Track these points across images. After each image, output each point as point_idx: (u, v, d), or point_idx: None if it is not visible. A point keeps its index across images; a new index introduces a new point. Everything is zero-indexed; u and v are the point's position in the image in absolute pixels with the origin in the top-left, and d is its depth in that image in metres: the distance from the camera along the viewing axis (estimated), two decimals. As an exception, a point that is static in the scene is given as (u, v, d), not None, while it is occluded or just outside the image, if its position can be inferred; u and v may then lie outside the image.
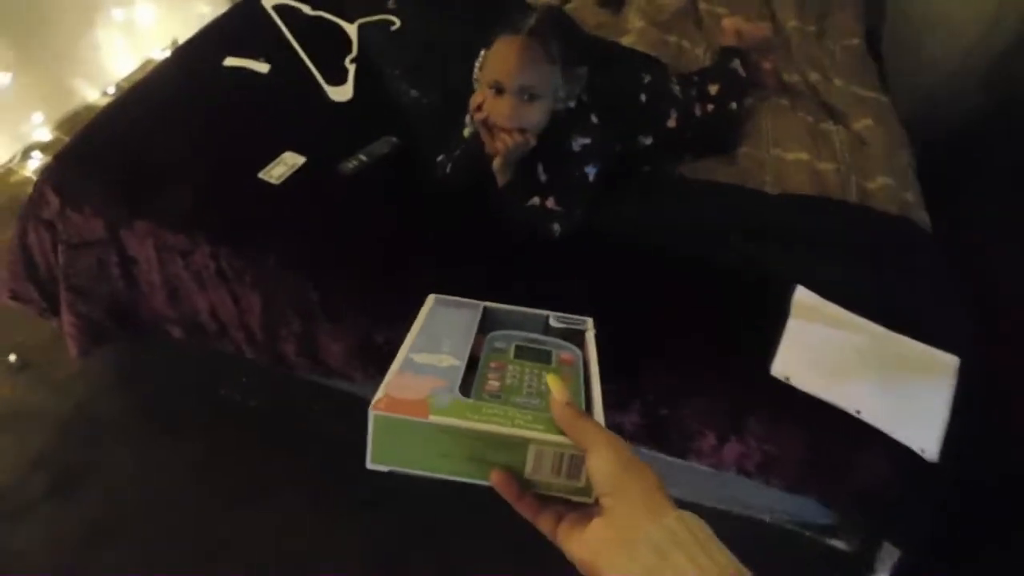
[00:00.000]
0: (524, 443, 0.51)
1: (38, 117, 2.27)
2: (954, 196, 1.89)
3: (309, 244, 1.33)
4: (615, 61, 1.73)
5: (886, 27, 2.49)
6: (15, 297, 1.55)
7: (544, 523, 0.52)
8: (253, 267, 1.33)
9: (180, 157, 1.42)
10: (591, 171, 1.41)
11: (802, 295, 1.39)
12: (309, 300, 1.33)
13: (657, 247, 1.43)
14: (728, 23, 1.99)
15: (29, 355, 1.80)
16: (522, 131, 1.33)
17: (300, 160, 1.44)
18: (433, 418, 0.51)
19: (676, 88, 1.68)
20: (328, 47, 1.76)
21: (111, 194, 1.35)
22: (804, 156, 1.74)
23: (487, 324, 0.68)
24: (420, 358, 0.60)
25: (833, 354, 1.32)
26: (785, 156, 1.74)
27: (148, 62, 2.65)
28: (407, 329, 0.65)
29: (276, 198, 1.38)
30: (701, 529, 0.45)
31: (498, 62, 1.31)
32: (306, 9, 1.86)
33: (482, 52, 1.37)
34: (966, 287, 1.51)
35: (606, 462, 0.48)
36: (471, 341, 0.63)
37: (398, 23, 1.85)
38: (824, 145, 1.79)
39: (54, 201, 1.37)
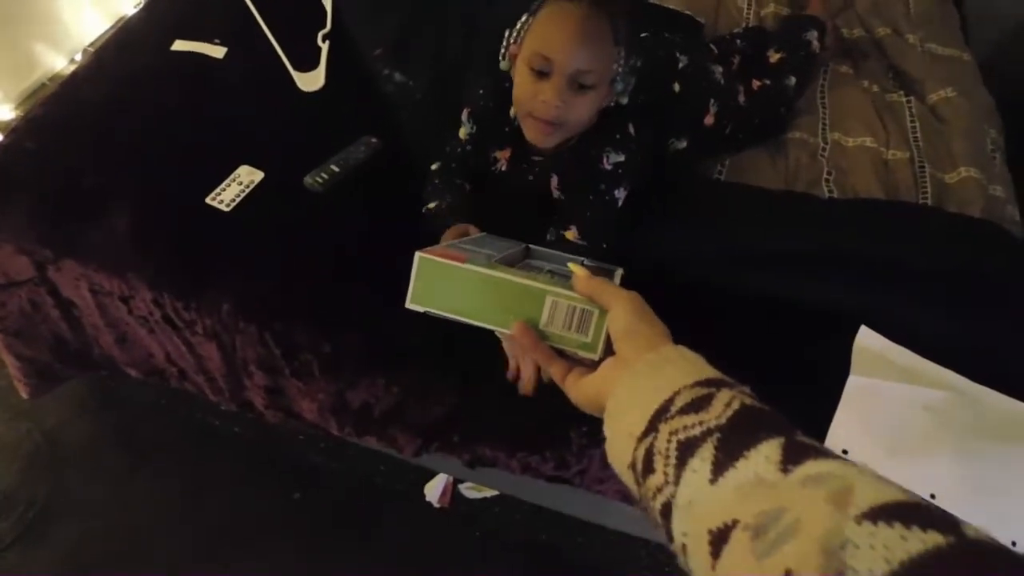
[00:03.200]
0: (542, 294, 0.60)
1: (-7, 94, 2.04)
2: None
3: (268, 287, 1.11)
4: (643, 36, 1.42)
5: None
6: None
7: (556, 370, 0.59)
8: (204, 316, 1.11)
9: (113, 178, 1.19)
10: (620, 195, 1.14)
11: (866, 339, 1.14)
12: (272, 355, 1.12)
13: (683, 278, 1.18)
14: None
15: (-10, 377, 1.64)
16: (561, 126, 1.05)
17: (258, 176, 1.20)
18: (469, 266, 0.61)
19: (718, 71, 1.37)
20: (297, 21, 1.48)
21: (33, 227, 1.14)
22: (869, 141, 1.44)
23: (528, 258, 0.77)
24: (464, 245, 0.72)
25: (903, 419, 1.08)
26: (846, 142, 1.44)
27: (122, 21, 2.37)
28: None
29: (227, 229, 1.15)
30: (696, 356, 0.53)
31: (550, 34, 0.99)
32: (272, -29, 1.57)
33: (524, 17, 1.06)
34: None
35: (624, 312, 0.55)
36: (510, 251, 0.71)
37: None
38: (893, 124, 1.48)
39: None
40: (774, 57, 1.44)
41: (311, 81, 1.38)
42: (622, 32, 1.01)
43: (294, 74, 1.39)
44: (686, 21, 1.60)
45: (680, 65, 1.34)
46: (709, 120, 1.33)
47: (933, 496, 1.01)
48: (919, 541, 0.31)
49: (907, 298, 1.19)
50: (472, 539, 1.46)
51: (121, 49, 1.42)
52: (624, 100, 1.10)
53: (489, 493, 1.49)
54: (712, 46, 1.48)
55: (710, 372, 0.50)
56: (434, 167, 1.21)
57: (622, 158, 1.12)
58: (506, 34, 1.07)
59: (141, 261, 1.11)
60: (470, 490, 1.51)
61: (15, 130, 1.26)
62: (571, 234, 1.12)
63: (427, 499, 1.51)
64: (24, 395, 1.35)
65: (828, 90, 1.55)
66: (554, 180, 1.18)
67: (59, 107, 1.29)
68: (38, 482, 1.52)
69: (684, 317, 1.12)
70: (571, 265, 0.63)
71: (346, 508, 1.50)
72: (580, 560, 1.46)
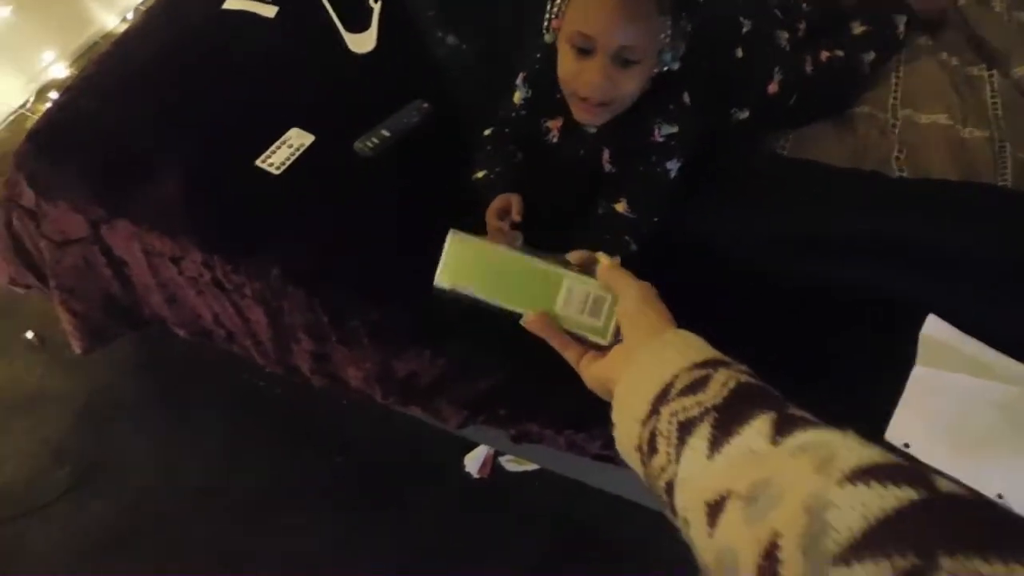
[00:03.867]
0: (560, 278, 0.63)
1: (50, 54, 2.06)
2: None
3: (317, 253, 1.10)
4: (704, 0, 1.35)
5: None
6: (14, 283, 1.41)
7: (571, 353, 0.62)
8: (253, 280, 1.11)
9: (164, 139, 1.19)
10: (673, 167, 1.09)
11: (933, 328, 1.08)
12: (320, 321, 1.11)
13: (743, 261, 1.13)
14: None
15: (46, 332, 1.68)
16: (609, 105, 1.00)
17: (308, 139, 1.19)
18: (496, 245, 0.65)
19: (783, 37, 1.29)
20: None
21: (87, 187, 1.14)
22: (943, 118, 1.35)
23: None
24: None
25: (969, 414, 1.02)
26: (918, 119, 1.36)
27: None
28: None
29: (278, 192, 1.14)
30: (696, 338, 0.55)
31: (591, 10, 0.92)
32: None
33: None
34: None
35: (631, 300, 0.58)
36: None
37: (434, -57, 1.50)
38: (972, 100, 1.39)
39: (29, 193, 1.18)
40: (858, 29, 1.36)
41: (363, 43, 1.35)
42: (667, 1, 0.92)
43: (345, 35, 1.36)
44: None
45: (743, 30, 1.27)
46: (773, 88, 1.26)
47: (1000, 496, 0.96)
48: (894, 497, 0.33)
49: (979, 289, 1.12)
50: (509, 512, 1.46)
51: (171, 7, 1.41)
52: (675, 66, 1.03)
53: (530, 467, 1.48)
54: (777, 11, 1.41)
55: (709, 353, 0.53)
56: (487, 133, 1.18)
57: (675, 129, 1.07)
58: (548, 5, 1.00)
59: (192, 224, 1.11)
60: (511, 463, 1.50)
61: (70, 88, 1.27)
62: (621, 206, 1.08)
63: (467, 470, 1.51)
64: (77, 351, 1.38)
65: (903, 63, 1.46)
66: (605, 154, 1.14)
67: (112, 66, 1.29)
68: (89, 436, 1.56)
69: (729, 301, 1.11)
70: (599, 255, 0.65)
71: (386, 474, 1.51)
72: (616, 539, 1.44)
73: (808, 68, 1.31)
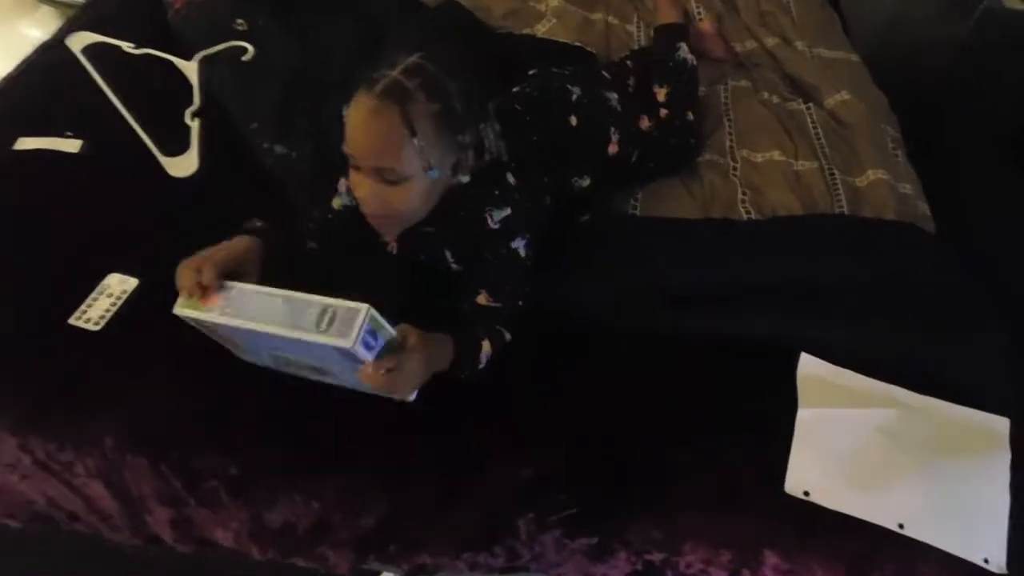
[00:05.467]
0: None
1: None
2: (945, 168, 1.60)
3: (157, 412, 0.98)
4: (532, 74, 1.35)
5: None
6: None
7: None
8: (83, 456, 0.97)
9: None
10: (520, 245, 1.06)
11: (808, 366, 1.10)
12: (172, 487, 0.98)
13: (611, 326, 1.11)
14: None
15: None
16: (387, 218, 0.99)
17: (130, 284, 1.07)
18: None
19: (613, 97, 1.32)
20: (162, 99, 1.35)
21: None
22: (778, 154, 1.42)
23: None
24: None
25: (858, 447, 1.03)
26: (755, 158, 1.42)
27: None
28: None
29: (100, 351, 1.00)
30: None
31: (349, 128, 0.93)
32: (127, 46, 1.43)
33: None
34: (987, 301, 1.23)
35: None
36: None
37: (251, 51, 1.43)
38: (798, 134, 1.47)
39: None
40: (661, 93, 1.39)
41: (183, 165, 1.25)
42: (421, 123, 0.91)
43: (163, 160, 1.25)
44: (576, 53, 1.55)
45: (573, 97, 1.28)
46: (613, 149, 1.27)
47: (901, 526, 0.96)
48: None
49: (837, 316, 1.16)
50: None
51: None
52: (464, 179, 1.02)
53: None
54: (605, 73, 1.44)
55: None
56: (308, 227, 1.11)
57: (508, 211, 1.05)
58: None
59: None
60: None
61: None
62: (483, 298, 1.04)
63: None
64: None
65: (731, 106, 1.53)
66: (447, 254, 1.10)
67: None
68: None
69: (602, 373, 1.09)
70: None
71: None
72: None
73: (644, 124, 1.34)
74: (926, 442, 1.04)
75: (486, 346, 1.00)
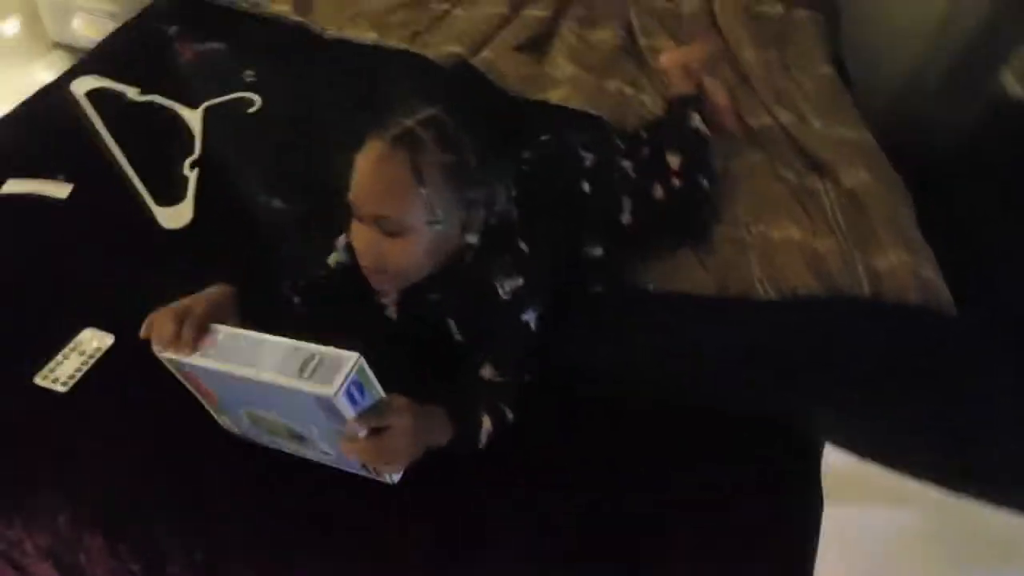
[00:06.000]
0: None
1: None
2: (961, 241, 1.56)
3: (119, 486, 0.88)
4: (544, 139, 1.32)
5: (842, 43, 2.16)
6: None
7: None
8: (34, 533, 0.87)
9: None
10: (531, 318, 0.99)
11: (835, 461, 1.01)
12: (129, 571, 0.88)
13: (621, 397, 1.03)
14: (666, 59, 1.59)
15: None
16: (384, 273, 0.93)
17: (106, 341, 0.99)
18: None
19: (628, 166, 1.27)
20: (161, 147, 1.30)
21: None
22: (795, 233, 1.37)
23: None
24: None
25: (891, 550, 0.94)
26: (772, 234, 1.37)
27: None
28: None
29: (63, 415, 0.92)
30: None
31: (355, 176, 0.91)
32: (131, 93, 1.40)
33: None
34: (1015, 383, 1.16)
35: None
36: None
37: (258, 103, 1.40)
38: (816, 211, 1.42)
39: None
40: (674, 161, 1.35)
41: (176, 217, 1.19)
42: (430, 172, 0.88)
43: (155, 210, 1.20)
44: (589, 120, 1.52)
45: (586, 163, 1.24)
46: (626, 219, 1.22)
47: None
48: None
49: (859, 401, 1.08)
50: None
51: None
52: (473, 240, 0.97)
53: None
54: (618, 141, 1.40)
55: None
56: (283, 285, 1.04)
57: (520, 282, 0.98)
58: None
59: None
60: None
61: None
62: (488, 372, 0.96)
63: None
64: None
65: (745, 180, 1.49)
66: (452, 324, 1.03)
67: None
68: None
69: (605, 435, 1.00)
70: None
71: None
72: None
73: (659, 194, 1.29)
74: (964, 547, 0.95)
75: (487, 423, 0.92)
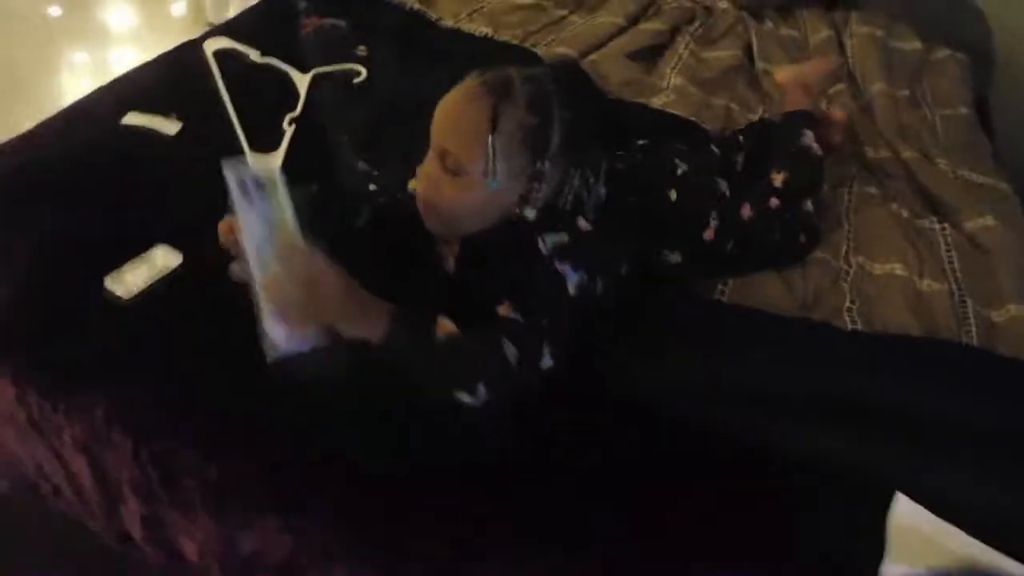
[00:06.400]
0: None
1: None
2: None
3: (152, 396, 0.91)
4: (642, 143, 1.27)
5: (993, 90, 1.98)
6: None
7: None
8: (73, 423, 0.91)
9: (14, 247, 1.03)
10: (569, 271, 0.90)
11: (905, 513, 0.88)
12: (147, 477, 0.89)
13: (676, 419, 0.95)
14: (783, 75, 1.51)
15: None
16: (435, 213, 0.92)
17: (174, 260, 1.03)
18: None
19: (723, 184, 1.20)
20: (269, 103, 1.37)
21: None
22: (899, 269, 1.24)
23: None
24: None
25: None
26: (872, 268, 1.25)
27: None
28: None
29: (119, 321, 0.96)
30: None
31: (439, 106, 0.92)
32: (254, 55, 1.49)
33: None
34: None
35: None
36: None
37: (363, 74, 1.45)
38: (927, 252, 1.29)
39: None
40: (778, 179, 1.26)
41: (265, 162, 1.24)
42: (506, 126, 0.86)
43: (250, 155, 1.25)
44: (689, 128, 1.46)
45: (679, 171, 1.18)
46: (709, 235, 1.15)
47: None
48: None
49: (955, 462, 0.94)
50: None
51: (72, 118, 1.31)
52: (529, 214, 0.93)
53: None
54: (715, 148, 1.33)
55: None
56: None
57: (565, 238, 0.92)
58: None
59: (9, 346, 0.92)
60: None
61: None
62: (503, 308, 0.88)
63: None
64: None
65: (853, 211, 1.37)
66: (504, 306, 0.97)
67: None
68: None
69: (665, 464, 0.92)
70: None
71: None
72: None
73: (747, 213, 1.21)
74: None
75: (481, 353, 0.84)
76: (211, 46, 1.51)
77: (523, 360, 0.84)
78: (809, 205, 1.28)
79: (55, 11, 2.08)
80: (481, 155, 0.86)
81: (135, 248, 1.04)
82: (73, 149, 1.21)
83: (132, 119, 1.28)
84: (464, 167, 0.88)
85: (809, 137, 1.32)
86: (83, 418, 0.90)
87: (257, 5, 1.75)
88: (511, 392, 0.86)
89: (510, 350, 0.84)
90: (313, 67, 1.46)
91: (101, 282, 0.99)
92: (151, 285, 1.00)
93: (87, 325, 0.95)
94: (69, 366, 0.92)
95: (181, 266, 1.03)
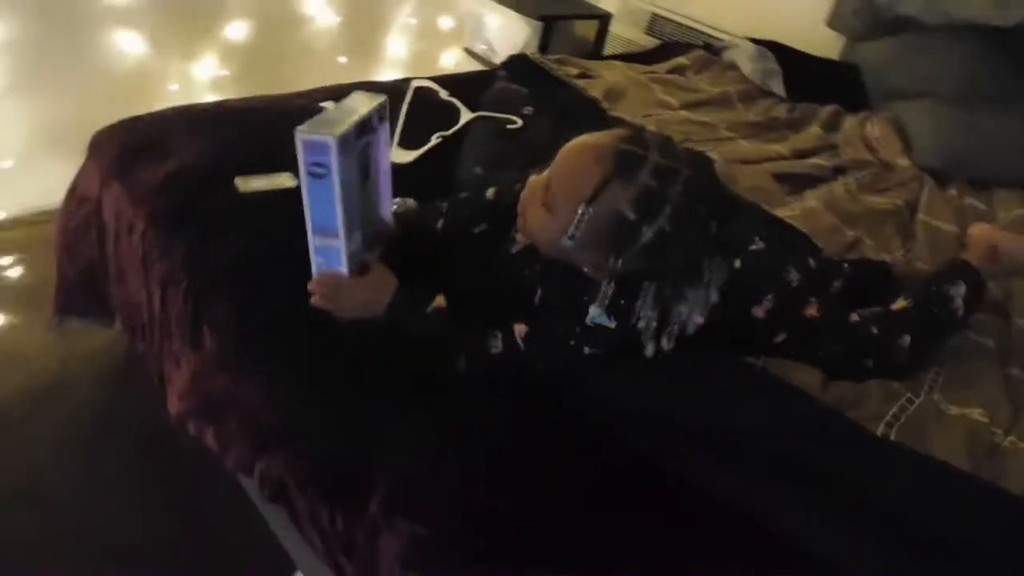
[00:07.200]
0: None
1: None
2: None
3: (214, 269, 1.12)
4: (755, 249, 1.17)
5: None
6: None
7: None
8: (136, 218, 1.18)
9: (189, 141, 1.36)
10: (592, 348, 0.96)
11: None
12: (185, 315, 1.10)
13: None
14: (981, 231, 1.37)
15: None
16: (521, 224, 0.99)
17: (288, 182, 1.29)
18: None
19: (793, 274, 1.14)
20: (432, 123, 1.65)
21: (114, 154, 1.33)
22: (979, 414, 1.07)
23: None
24: None
25: None
26: (946, 407, 1.09)
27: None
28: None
29: (239, 208, 1.22)
30: None
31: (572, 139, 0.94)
32: (443, 94, 1.81)
33: None
34: None
35: None
36: None
37: (519, 124, 1.68)
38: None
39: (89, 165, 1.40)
40: (898, 305, 1.17)
41: (402, 156, 1.50)
42: (605, 201, 0.85)
43: (395, 148, 1.52)
44: (801, 238, 1.43)
45: (752, 247, 1.18)
46: (759, 313, 1.08)
47: None
48: None
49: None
50: None
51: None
52: (600, 279, 0.96)
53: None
54: (812, 261, 1.27)
55: None
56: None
57: (611, 327, 0.95)
58: None
59: (155, 201, 1.22)
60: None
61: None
62: (519, 328, 0.98)
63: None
64: (52, 314, 1.48)
65: (960, 360, 1.21)
66: (538, 293, 1.06)
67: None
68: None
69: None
70: None
71: None
72: None
73: (812, 312, 1.12)
74: None
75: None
76: (415, 83, 1.88)
77: (504, 354, 0.97)
78: (906, 340, 1.14)
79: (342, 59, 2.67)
80: (572, 211, 0.87)
81: (269, 169, 1.32)
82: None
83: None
84: (554, 208, 0.90)
85: (960, 290, 1.20)
86: (144, 216, 1.16)
87: (470, 73, 2.12)
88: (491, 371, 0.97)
89: (495, 343, 0.97)
90: (482, 110, 1.74)
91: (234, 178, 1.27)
92: (265, 191, 1.26)
93: (213, 200, 1.23)
94: (179, 219, 1.19)
95: (293, 189, 1.28)
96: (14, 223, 2.06)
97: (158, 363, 1.20)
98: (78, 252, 1.41)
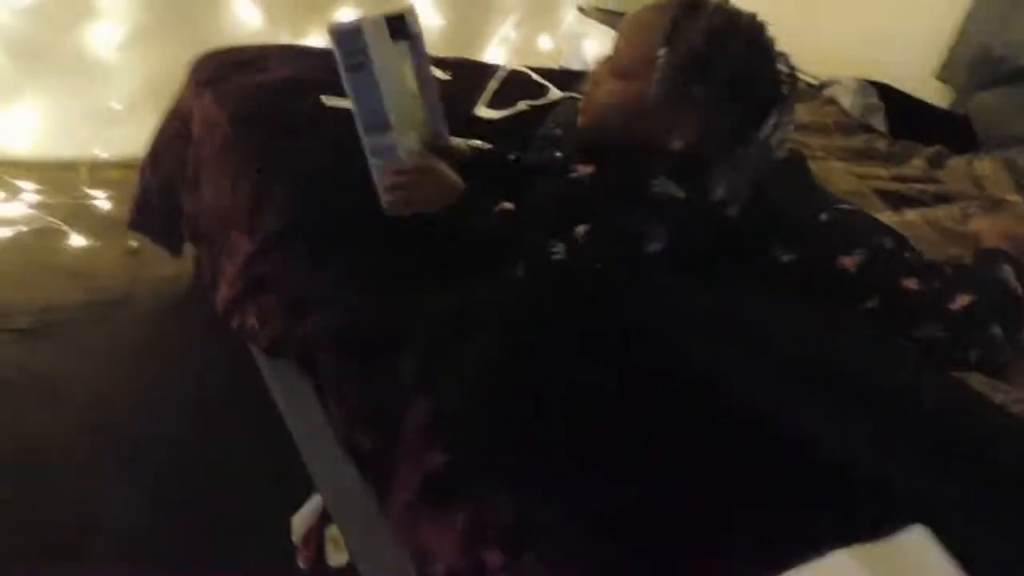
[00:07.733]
0: None
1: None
2: None
3: (281, 160, 1.13)
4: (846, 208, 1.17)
5: None
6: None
7: None
8: (240, 149, 1.17)
9: (286, 63, 1.41)
10: (650, 236, 0.89)
11: (914, 539, 0.63)
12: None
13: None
14: (983, 224, 1.35)
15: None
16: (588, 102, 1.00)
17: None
18: None
19: (888, 240, 1.07)
20: (522, 95, 1.65)
21: (212, 68, 1.38)
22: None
23: None
24: None
25: None
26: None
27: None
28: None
29: (308, 115, 1.23)
30: None
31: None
32: (535, 75, 1.82)
33: None
34: None
35: None
36: None
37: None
38: None
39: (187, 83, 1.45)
40: (963, 300, 1.04)
41: (488, 113, 1.50)
42: (684, 37, 0.90)
43: (481, 105, 1.52)
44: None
45: (841, 206, 1.13)
46: (848, 263, 1.00)
47: None
48: None
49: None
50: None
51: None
52: (676, 144, 0.93)
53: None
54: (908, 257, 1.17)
55: None
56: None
57: (682, 195, 0.91)
58: None
59: (241, 108, 1.25)
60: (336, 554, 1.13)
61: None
62: (580, 228, 0.91)
63: (293, 539, 1.17)
64: (127, 219, 1.53)
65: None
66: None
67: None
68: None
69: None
70: None
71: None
72: None
73: (910, 285, 1.03)
74: None
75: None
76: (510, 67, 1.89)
77: (565, 260, 0.90)
78: (997, 329, 1.03)
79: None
80: (650, 61, 0.91)
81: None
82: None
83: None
84: (629, 70, 0.93)
85: (1008, 271, 1.10)
86: (246, 170, 1.16)
87: (565, 70, 2.13)
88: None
89: (557, 248, 0.90)
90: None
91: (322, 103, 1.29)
92: (349, 109, 1.26)
93: (296, 106, 1.24)
94: (260, 118, 1.21)
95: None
96: (115, 164, 2.17)
97: (215, 265, 1.20)
98: (161, 162, 1.45)
